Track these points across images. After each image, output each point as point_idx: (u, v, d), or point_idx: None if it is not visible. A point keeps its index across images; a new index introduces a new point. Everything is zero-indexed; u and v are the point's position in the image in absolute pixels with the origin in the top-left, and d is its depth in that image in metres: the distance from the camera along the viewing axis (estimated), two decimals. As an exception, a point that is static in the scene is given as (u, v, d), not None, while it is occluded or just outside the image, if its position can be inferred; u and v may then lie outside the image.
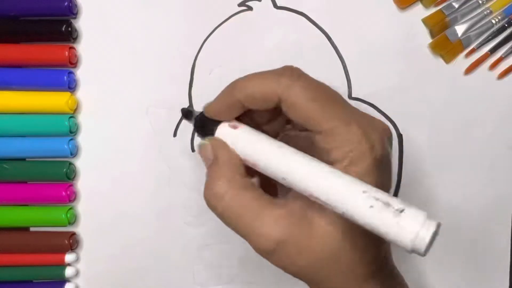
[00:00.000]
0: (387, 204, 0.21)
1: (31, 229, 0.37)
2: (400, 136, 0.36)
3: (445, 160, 0.37)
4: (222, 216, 0.25)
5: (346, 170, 0.24)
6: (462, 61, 0.36)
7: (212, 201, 0.25)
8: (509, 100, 0.36)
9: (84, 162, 0.36)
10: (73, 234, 0.36)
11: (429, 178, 0.37)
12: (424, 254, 0.21)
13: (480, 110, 0.36)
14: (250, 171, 0.26)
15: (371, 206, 0.22)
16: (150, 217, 0.37)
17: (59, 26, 0.34)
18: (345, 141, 0.24)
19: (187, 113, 0.29)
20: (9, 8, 0.34)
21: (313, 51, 0.36)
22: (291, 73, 0.26)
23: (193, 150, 0.36)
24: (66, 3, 0.34)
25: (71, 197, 0.36)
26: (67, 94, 0.35)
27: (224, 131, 0.27)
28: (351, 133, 0.24)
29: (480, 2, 0.35)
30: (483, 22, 0.36)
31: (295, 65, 0.36)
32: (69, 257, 0.36)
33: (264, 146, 0.26)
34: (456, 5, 0.36)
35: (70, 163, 0.36)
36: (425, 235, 0.21)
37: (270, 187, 0.27)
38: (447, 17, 0.36)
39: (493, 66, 0.36)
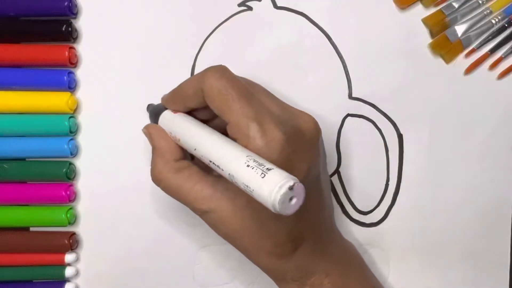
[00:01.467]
0: (261, 165, 0.24)
1: (31, 229, 0.37)
2: (400, 136, 0.36)
3: (445, 160, 0.37)
4: (165, 191, 0.31)
5: None
6: (462, 61, 0.36)
7: (155, 182, 0.31)
8: (509, 100, 0.36)
9: (84, 162, 0.36)
10: (73, 234, 0.36)
11: (429, 178, 0.37)
12: (281, 210, 0.23)
13: (480, 110, 0.36)
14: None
15: (248, 166, 0.24)
16: (150, 217, 0.37)
17: (59, 26, 0.34)
18: (243, 135, 0.27)
19: (148, 107, 0.35)
20: (9, 8, 0.34)
21: (313, 51, 0.36)
22: (214, 69, 0.29)
23: (193, 150, 0.36)
24: (66, 3, 0.34)
25: (71, 197, 0.36)
26: (67, 94, 0.35)
27: (166, 115, 0.32)
28: (250, 128, 0.27)
29: (480, 2, 0.35)
30: (483, 22, 0.36)
31: (295, 65, 0.36)
32: (69, 257, 0.36)
33: (186, 125, 0.30)
34: (456, 5, 0.36)
35: (70, 163, 0.36)
36: (281, 191, 0.22)
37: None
38: (447, 17, 0.36)
39: (493, 66, 0.36)
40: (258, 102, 0.28)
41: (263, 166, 0.24)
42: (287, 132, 0.27)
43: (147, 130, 0.32)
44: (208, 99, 0.28)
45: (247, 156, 0.25)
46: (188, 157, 0.32)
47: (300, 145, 0.28)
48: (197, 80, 0.29)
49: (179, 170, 0.31)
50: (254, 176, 0.23)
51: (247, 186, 0.24)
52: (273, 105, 0.29)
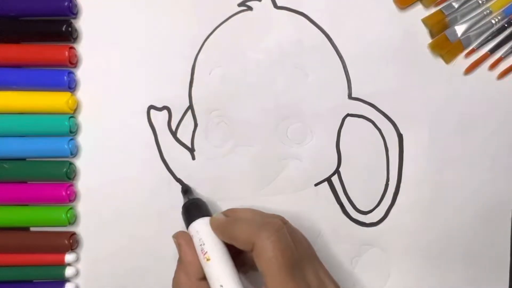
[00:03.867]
0: None
1: (31, 229, 0.37)
2: (400, 136, 0.36)
3: (445, 160, 0.37)
4: None
5: None
6: (462, 61, 0.36)
7: None
8: (509, 100, 0.36)
9: (84, 162, 0.36)
10: (73, 234, 0.36)
11: (429, 178, 0.37)
12: None
13: (480, 110, 0.36)
14: None
15: None
16: (150, 217, 0.37)
17: (59, 26, 0.34)
18: None
19: (186, 190, 0.36)
20: (9, 8, 0.34)
21: (313, 51, 0.36)
22: (273, 231, 0.29)
23: (192, 149, 0.36)
24: (66, 3, 0.34)
25: (71, 197, 0.36)
26: (67, 94, 0.35)
27: (203, 234, 0.32)
28: None
29: (480, 2, 0.35)
30: (483, 22, 0.36)
31: (295, 65, 0.36)
32: (69, 257, 0.36)
33: (216, 265, 0.30)
34: (456, 5, 0.36)
35: (70, 163, 0.36)
36: None
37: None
38: (447, 17, 0.36)
39: (493, 66, 0.36)
40: (301, 277, 0.29)
41: None
42: None
43: (177, 240, 0.33)
44: (256, 256, 0.29)
45: None
46: None
47: None
48: (252, 232, 0.29)
49: None
50: None
51: None
52: (314, 281, 0.29)
